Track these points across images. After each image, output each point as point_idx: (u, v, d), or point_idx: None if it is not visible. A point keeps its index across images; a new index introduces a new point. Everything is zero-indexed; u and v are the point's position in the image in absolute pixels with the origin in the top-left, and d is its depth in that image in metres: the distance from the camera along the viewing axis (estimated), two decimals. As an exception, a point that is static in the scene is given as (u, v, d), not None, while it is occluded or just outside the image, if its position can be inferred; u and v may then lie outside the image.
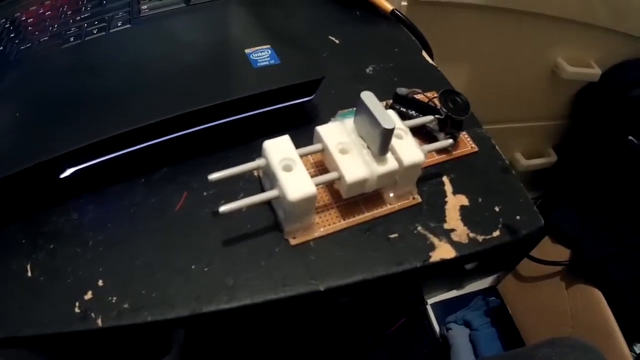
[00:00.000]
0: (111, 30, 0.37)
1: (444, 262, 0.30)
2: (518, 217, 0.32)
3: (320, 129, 0.30)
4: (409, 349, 1.01)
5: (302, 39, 0.37)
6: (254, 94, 0.32)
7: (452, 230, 0.31)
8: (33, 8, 0.43)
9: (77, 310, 0.26)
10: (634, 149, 0.79)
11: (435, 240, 0.31)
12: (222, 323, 0.90)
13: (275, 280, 0.28)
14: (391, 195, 0.32)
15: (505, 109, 0.88)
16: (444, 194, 0.33)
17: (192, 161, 0.33)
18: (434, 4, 0.66)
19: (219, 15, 0.39)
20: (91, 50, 0.36)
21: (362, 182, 0.29)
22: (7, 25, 0.41)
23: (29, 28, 0.40)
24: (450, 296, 1.06)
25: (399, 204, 0.32)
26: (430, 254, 0.30)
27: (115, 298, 0.27)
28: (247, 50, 0.34)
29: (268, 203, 0.31)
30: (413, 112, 0.36)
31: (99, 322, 0.26)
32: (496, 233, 0.31)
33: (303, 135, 0.32)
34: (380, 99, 0.29)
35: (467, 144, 0.36)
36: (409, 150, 0.30)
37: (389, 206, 0.32)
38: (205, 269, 0.28)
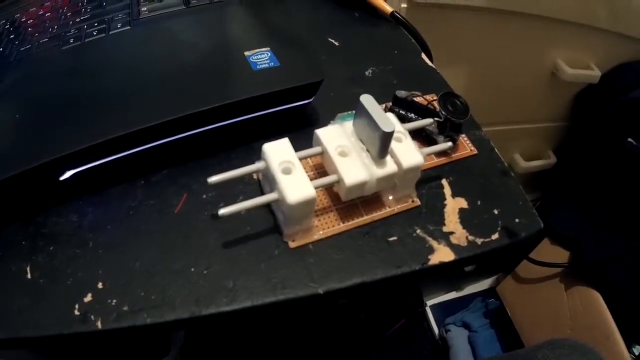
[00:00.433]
0: (111, 32, 0.37)
1: (443, 265, 0.30)
2: (517, 220, 0.32)
3: (320, 132, 0.31)
4: (408, 350, 1.01)
5: (301, 41, 0.37)
6: (253, 96, 0.32)
7: (451, 233, 0.31)
8: (33, 9, 0.43)
9: (76, 312, 0.26)
10: (633, 151, 0.79)
11: (434, 243, 0.31)
12: (222, 325, 0.90)
13: (274, 282, 0.28)
14: (390, 198, 0.32)
15: (504, 110, 0.88)
16: (443, 197, 0.33)
17: (192, 163, 0.33)
18: (434, 6, 0.66)
19: (218, 17, 0.39)
20: (91, 52, 0.36)
21: (361, 185, 0.29)
22: (7, 27, 0.41)
23: (29, 29, 0.40)
24: (450, 298, 1.06)
25: (398, 206, 0.32)
26: (429, 256, 0.30)
27: (114, 300, 0.27)
28: (246, 53, 0.35)
29: (267, 206, 0.31)
30: (412, 115, 0.36)
31: (99, 324, 0.26)
32: (495, 236, 0.31)
33: (302, 138, 0.32)
34: (380, 102, 0.29)
35: (466, 147, 0.36)
36: (408, 153, 0.30)
37: (388, 209, 0.32)
38: (205, 272, 0.28)
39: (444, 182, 0.34)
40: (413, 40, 0.47)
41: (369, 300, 1.05)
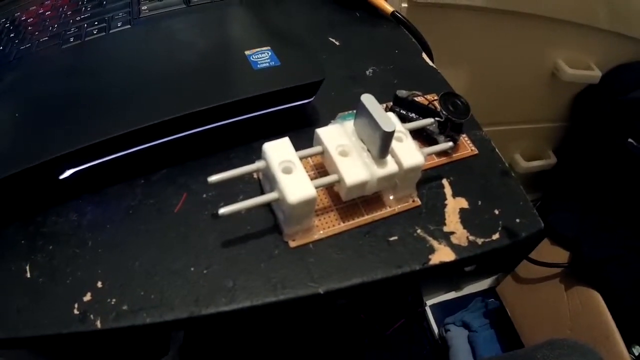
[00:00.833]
0: (111, 31, 0.37)
1: (443, 265, 0.30)
2: (518, 220, 0.32)
3: (320, 131, 0.30)
4: (407, 350, 1.01)
5: (302, 41, 0.37)
6: (253, 95, 0.32)
7: (452, 233, 0.31)
8: (33, 8, 0.43)
9: (76, 311, 0.26)
10: (633, 152, 0.79)
11: (434, 243, 0.31)
12: (221, 325, 0.90)
13: (274, 282, 0.28)
14: (391, 197, 0.32)
15: (505, 110, 0.88)
16: (443, 197, 0.33)
17: (192, 163, 0.33)
18: (435, 6, 0.66)
19: (219, 16, 0.39)
20: (91, 50, 0.36)
21: (362, 185, 0.29)
22: (7, 25, 0.41)
23: (29, 28, 0.40)
24: (449, 297, 1.06)
25: (399, 206, 0.32)
26: (430, 256, 0.30)
27: (114, 299, 0.26)
28: (247, 52, 0.34)
29: (268, 205, 0.31)
30: (413, 115, 0.36)
31: (98, 323, 0.26)
32: (496, 236, 0.31)
33: (303, 137, 0.32)
34: (380, 102, 0.29)
35: (467, 147, 0.36)
36: (409, 153, 0.30)
37: (388, 209, 0.32)
38: (205, 271, 0.28)
39: (445, 182, 0.34)
40: (414, 40, 0.46)
41: (369, 300, 1.05)
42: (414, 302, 1.06)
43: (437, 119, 0.34)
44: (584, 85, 0.89)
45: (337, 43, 0.45)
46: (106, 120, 0.30)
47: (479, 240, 0.31)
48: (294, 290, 0.28)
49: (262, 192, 0.32)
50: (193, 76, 0.33)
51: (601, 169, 0.88)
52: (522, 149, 1.01)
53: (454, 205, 0.33)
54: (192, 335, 0.86)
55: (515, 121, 0.93)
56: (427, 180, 0.34)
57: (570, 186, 0.95)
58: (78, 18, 0.39)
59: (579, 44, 0.82)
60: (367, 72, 0.42)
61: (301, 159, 0.29)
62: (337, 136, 0.30)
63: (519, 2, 0.70)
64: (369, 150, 0.30)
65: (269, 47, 0.35)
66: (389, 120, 0.28)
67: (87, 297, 0.27)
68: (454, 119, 0.34)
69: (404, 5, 0.63)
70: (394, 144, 0.30)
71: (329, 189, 0.32)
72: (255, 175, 0.33)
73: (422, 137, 0.35)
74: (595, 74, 0.84)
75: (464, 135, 0.37)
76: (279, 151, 0.29)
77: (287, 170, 0.28)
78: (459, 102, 0.35)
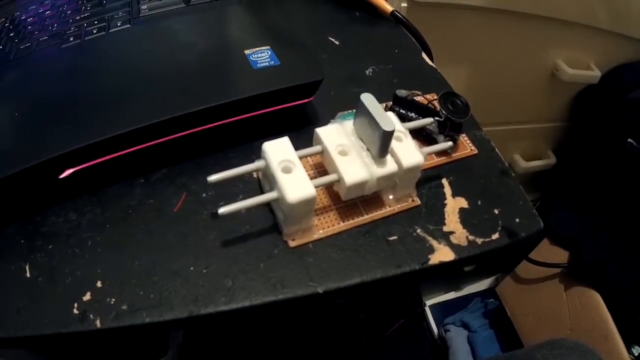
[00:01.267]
0: (111, 30, 0.37)
1: (443, 265, 0.30)
2: (517, 220, 0.32)
3: (320, 131, 0.30)
4: (407, 350, 1.01)
5: (301, 40, 0.37)
6: (253, 95, 0.32)
7: (452, 232, 0.31)
8: (33, 7, 0.43)
9: (75, 311, 0.26)
10: (632, 152, 0.79)
11: (434, 242, 0.31)
12: (220, 325, 0.90)
13: (273, 282, 0.28)
14: (390, 197, 0.32)
15: (504, 110, 0.88)
16: (443, 197, 0.33)
17: (191, 162, 0.33)
18: (434, 6, 0.66)
19: (218, 15, 0.39)
20: (91, 50, 0.36)
21: (361, 184, 0.29)
22: (6, 25, 0.41)
23: (29, 27, 0.40)
24: (449, 298, 1.06)
25: (398, 206, 0.32)
26: (430, 256, 0.30)
27: (113, 299, 0.26)
28: (246, 51, 0.34)
29: (267, 205, 0.31)
30: (413, 114, 0.36)
31: (97, 323, 0.26)
32: (495, 236, 0.31)
33: (302, 137, 0.32)
34: (380, 101, 0.29)
35: (466, 147, 0.36)
36: (408, 153, 0.30)
37: (388, 208, 0.32)
38: (204, 271, 0.28)
39: (444, 181, 0.34)
40: (413, 40, 0.46)
41: (369, 300, 1.05)
42: (413, 302, 1.06)
43: (436, 118, 0.34)
44: (583, 85, 0.89)
45: (337, 42, 0.44)
46: (105, 120, 0.30)
47: (479, 240, 0.31)
48: (293, 289, 0.28)
49: (262, 192, 0.32)
50: (193, 75, 0.33)
51: (601, 169, 0.88)
52: (521, 149, 1.01)
53: (454, 205, 0.33)
54: (191, 335, 0.86)
55: (515, 121, 0.93)
56: (427, 180, 0.34)
57: (569, 186, 0.95)
58: (78, 17, 0.39)
59: (579, 44, 0.82)
60: (367, 72, 0.42)
61: (301, 158, 0.29)
62: (336, 136, 0.30)
63: (519, 2, 0.70)
64: (368, 150, 0.30)
65: (269, 47, 0.35)
66: (389, 120, 0.28)
67: (87, 297, 0.27)
68: (453, 118, 0.34)
69: (404, 4, 0.63)
70: (394, 143, 0.30)
71: (329, 188, 0.32)
72: (254, 175, 0.33)
73: (421, 136, 0.35)
74: (595, 74, 0.84)
75: (463, 135, 0.37)
76: (278, 150, 0.29)
77: (287, 170, 0.28)
78: (459, 102, 0.35)
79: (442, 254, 0.30)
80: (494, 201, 0.33)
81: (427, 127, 0.35)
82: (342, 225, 0.31)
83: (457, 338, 0.95)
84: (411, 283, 1.05)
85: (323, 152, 0.30)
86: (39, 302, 0.26)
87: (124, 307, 0.26)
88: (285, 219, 0.29)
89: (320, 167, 0.33)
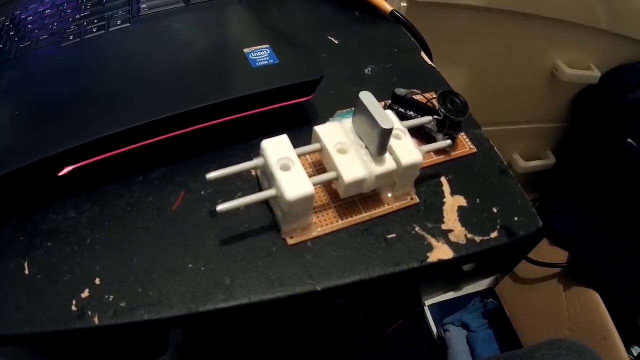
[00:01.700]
0: (110, 29, 0.37)
1: (441, 263, 0.30)
2: (516, 219, 0.32)
3: (319, 129, 0.31)
4: (406, 350, 1.01)
5: (301, 39, 0.37)
6: (252, 93, 0.32)
7: (450, 230, 0.31)
8: (32, 6, 0.43)
9: (74, 308, 0.26)
10: (632, 152, 0.79)
11: (433, 240, 0.31)
12: (219, 322, 0.90)
13: (272, 279, 0.28)
14: (389, 195, 0.32)
15: (504, 110, 0.88)
16: (442, 195, 0.33)
17: (190, 160, 0.33)
18: (434, 5, 0.66)
19: (218, 14, 0.39)
20: (90, 48, 0.36)
21: (360, 182, 0.29)
22: (6, 23, 0.41)
23: (29, 26, 0.40)
24: (448, 297, 1.06)
25: (397, 204, 0.32)
26: (428, 254, 0.30)
27: (112, 296, 0.27)
28: (245, 50, 0.34)
29: (266, 202, 0.31)
30: (411, 113, 0.36)
31: (96, 320, 0.26)
32: (494, 234, 0.31)
33: (301, 134, 0.32)
34: (379, 100, 0.29)
35: (465, 145, 0.36)
36: (407, 151, 0.30)
37: (386, 206, 0.32)
38: (202, 268, 0.28)
39: (443, 180, 0.34)
40: (412, 39, 0.47)
41: (367, 300, 1.05)
42: (412, 302, 1.06)
43: (435, 117, 0.34)
44: (583, 86, 0.89)
45: (336, 42, 0.45)
46: (105, 118, 0.30)
47: (477, 238, 0.31)
48: (291, 287, 0.28)
49: (260, 190, 0.31)
50: (192, 74, 0.33)
51: (600, 169, 0.88)
52: (521, 149, 1.01)
53: (452, 203, 0.33)
54: (190, 334, 0.86)
55: (514, 121, 0.93)
56: (426, 178, 0.34)
57: (569, 186, 0.95)
58: (77, 16, 0.39)
59: (578, 44, 0.82)
60: (366, 71, 0.42)
61: (299, 156, 0.29)
62: (335, 133, 0.30)
63: (519, 2, 0.70)
64: (367, 148, 0.30)
65: (268, 45, 0.35)
66: (387, 118, 0.28)
67: (85, 294, 0.27)
68: (452, 117, 0.34)
69: (403, 4, 0.63)
70: (392, 141, 0.30)
71: (327, 186, 0.32)
72: (253, 173, 0.33)
73: (420, 135, 0.36)
74: (595, 74, 0.84)
75: (462, 134, 0.37)
76: (277, 148, 0.29)
77: (285, 167, 0.28)
78: (457, 100, 0.35)
79: (441, 252, 0.30)
80: (492, 199, 0.33)
81: (426, 125, 0.35)
82: (341, 223, 0.31)
83: (456, 338, 0.95)
84: (410, 282, 1.05)
85: (322, 150, 0.30)
86: (38, 299, 0.26)
87: (123, 305, 0.26)
88: (284, 217, 0.29)
89: (319, 165, 0.33)
